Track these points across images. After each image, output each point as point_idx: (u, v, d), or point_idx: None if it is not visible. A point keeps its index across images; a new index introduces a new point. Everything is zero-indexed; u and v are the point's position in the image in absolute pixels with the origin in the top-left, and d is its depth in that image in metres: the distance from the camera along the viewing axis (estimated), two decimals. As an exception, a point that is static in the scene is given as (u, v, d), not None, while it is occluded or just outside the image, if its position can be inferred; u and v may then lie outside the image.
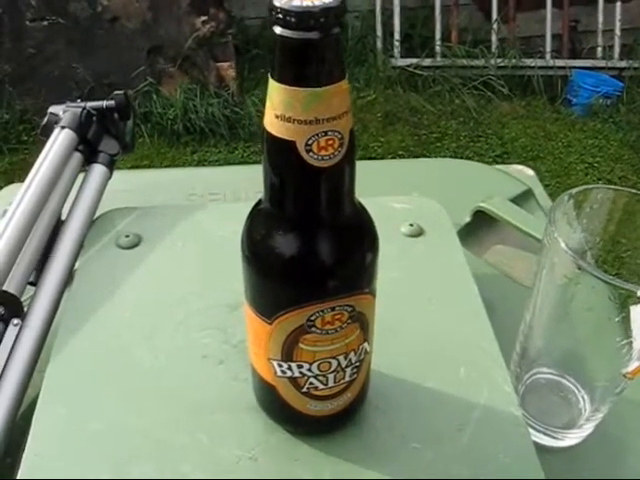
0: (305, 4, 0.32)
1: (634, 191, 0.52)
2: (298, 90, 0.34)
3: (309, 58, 0.34)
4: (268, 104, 0.36)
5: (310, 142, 0.35)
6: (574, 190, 0.52)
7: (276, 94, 0.35)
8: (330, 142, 0.36)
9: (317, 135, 0.35)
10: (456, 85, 3.25)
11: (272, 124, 0.36)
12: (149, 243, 0.66)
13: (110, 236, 0.67)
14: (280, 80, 0.35)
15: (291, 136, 0.35)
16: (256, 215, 0.42)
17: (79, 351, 0.55)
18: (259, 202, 0.42)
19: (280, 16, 0.33)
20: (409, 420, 0.50)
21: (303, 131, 0.35)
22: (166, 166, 2.67)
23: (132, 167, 2.48)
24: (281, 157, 0.37)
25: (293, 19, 0.32)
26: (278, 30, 0.33)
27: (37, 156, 0.69)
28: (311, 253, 0.40)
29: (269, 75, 0.35)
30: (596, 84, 3.20)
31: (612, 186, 0.53)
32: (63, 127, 0.71)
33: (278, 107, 0.35)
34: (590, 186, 0.52)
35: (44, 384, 0.52)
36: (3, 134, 2.82)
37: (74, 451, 0.49)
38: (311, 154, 0.36)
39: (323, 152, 0.36)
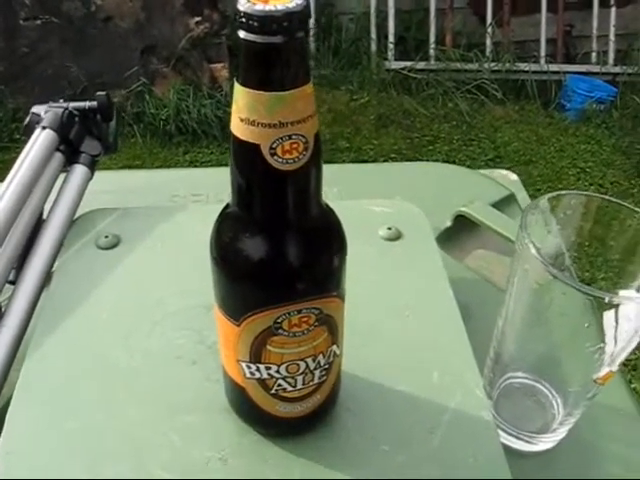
0: (268, 8, 0.33)
1: (607, 197, 0.52)
2: (262, 94, 0.35)
3: (272, 62, 0.34)
4: (234, 107, 0.36)
5: (274, 145, 0.36)
6: (547, 196, 0.52)
7: (241, 97, 0.35)
8: (294, 146, 0.36)
9: (281, 139, 0.35)
10: (449, 88, 3.26)
11: (237, 127, 0.36)
12: (128, 244, 0.66)
13: (89, 236, 0.67)
14: (244, 83, 0.35)
15: (255, 139, 0.36)
16: (224, 218, 0.42)
17: (55, 350, 0.56)
18: (227, 206, 0.42)
19: (243, 20, 0.33)
20: (380, 422, 0.50)
21: (267, 134, 0.35)
22: (158, 166, 2.68)
23: (124, 167, 2.49)
24: (246, 160, 0.38)
25: (256, 23, 0.33)
26: (242, 34, 0.34)
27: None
28: (276, 255, 0.40)
29: (234, 79, 0.36)
30: (590, 89, 3.20)
31: (584, 192, 0.53)
32: (44, 127, 0.71)
33: (243, 110, 0.35)
34: (563, 192, 0.52)
35: (18, 383, 0.52)
36: (-5, 132, 2.83)
37: (47, 450, 0.48)
38: (275, 157, 0.36)
39: (287, 155, 0.36)
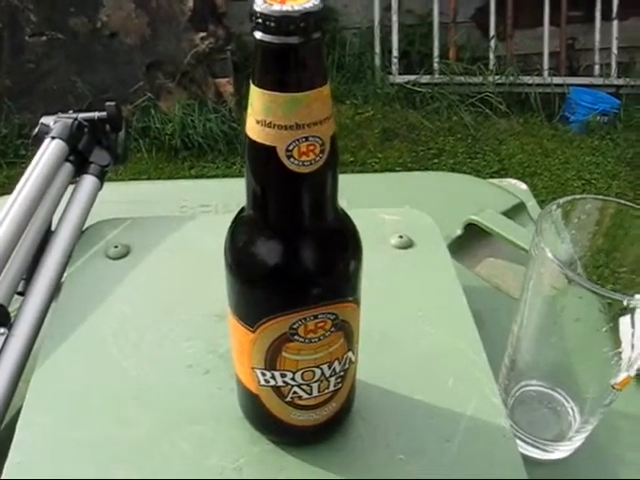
0: (285, 9, 0.32)
1: (622, 201, 0.51)
2: (278, 95, 0.34)
3: (289, 63, 0.34)
4: (249, 110, 0.36)
5: (291, 147, 0.35)
6: (561, 200, 0.51)
7: (257, 99, 0.35)
8: (311, 148, 0.36)
9: (298, 140, 0.35)
10: (454, 102, 3.26)
11: (253, 129, 0.36)
12: (138, 254, 0.66)
13: (99, 246, 0.66)
14: (261, 85, 0.35)
15: (272, 141, 0.35)
16: (238, 223, 0.41)
17: (64, 360, 0.55)
18: (242, 210, 0.41)
19: (260, 21, 0.33)
20: (396, 431, 0.50)
21: (284, 136, 0.35)
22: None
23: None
24: (262, 163, 0.37)
25: (272, 24, 0.32)
26: (258, 35, 0.33)
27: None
28: (292, 260, 0.39)
29: (250, 81, 0.35)
30: (593, 101, 3.21)
31: (599, 196, 0.52)
32: (53, 137, 0.71)
33: (259, 112, 0.35)
34: (578, 196, 0.52)
35: (28, 393, 0.52)
36: (1, 148, 2.84)
37: (57, 460, 0.48)
38: (292, 160, 0.36)
39: (304, 157, 0.36)
